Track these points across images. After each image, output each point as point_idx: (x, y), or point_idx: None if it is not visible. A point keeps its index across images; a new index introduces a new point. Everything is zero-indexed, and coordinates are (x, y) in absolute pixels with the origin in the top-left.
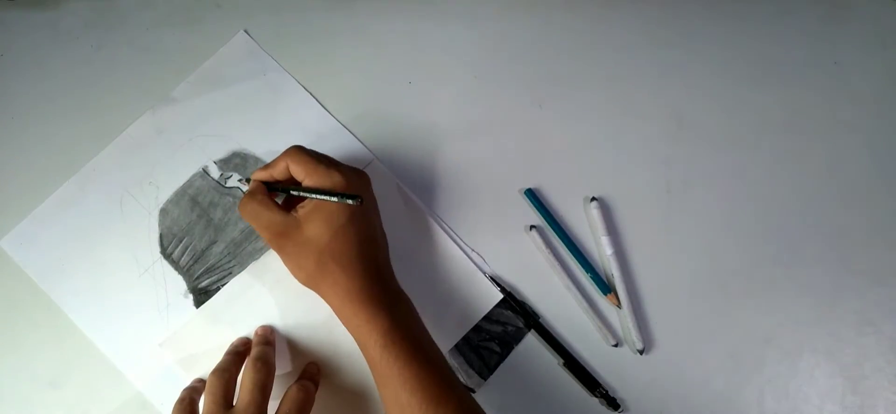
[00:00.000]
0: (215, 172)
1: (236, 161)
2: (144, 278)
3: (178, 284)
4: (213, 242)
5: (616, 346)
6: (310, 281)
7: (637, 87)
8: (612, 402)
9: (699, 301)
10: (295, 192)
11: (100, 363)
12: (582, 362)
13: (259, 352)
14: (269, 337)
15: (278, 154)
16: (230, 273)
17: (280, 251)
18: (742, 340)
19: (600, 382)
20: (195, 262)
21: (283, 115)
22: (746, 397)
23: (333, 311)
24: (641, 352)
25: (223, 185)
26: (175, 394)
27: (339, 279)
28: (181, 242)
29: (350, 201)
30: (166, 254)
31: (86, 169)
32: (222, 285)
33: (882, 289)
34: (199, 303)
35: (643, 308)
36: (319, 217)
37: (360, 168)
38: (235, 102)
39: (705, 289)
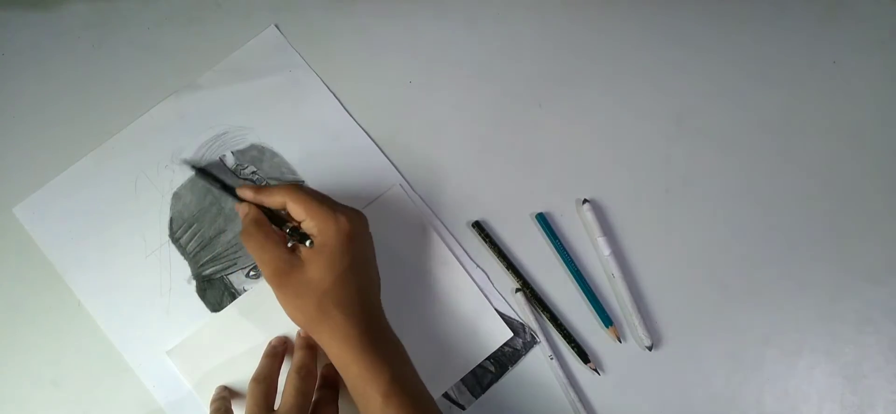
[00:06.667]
0: (231, 162)
1: (253, 153)
2: (150, 260)
3: (182, 269)
4: (222, 231)
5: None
6: (309, 324)
7: (636, 87)
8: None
9: (698, 300)
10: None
11: (101, 344)
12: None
13: (302, 359)
14: (310, 342)
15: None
16: (235, 263)
17: (277, 289)
18: (741, 339)
19: (589, 358)
20: (202, 248)
21: (304, 113)
22: (746, 397)
23: (330, 357)
24: (650, 348)
25: (238, 176)
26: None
27: (340, 325)
28: (190, 227)
29: (307, 243)
30: (174, 238)
31: (105, 146)
32: (226, 275)
33: (881, 288)
34: (201, 290)
35: (644, 307)
36: (322, 260)
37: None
38: (258, 95)
39: (704, 288)
